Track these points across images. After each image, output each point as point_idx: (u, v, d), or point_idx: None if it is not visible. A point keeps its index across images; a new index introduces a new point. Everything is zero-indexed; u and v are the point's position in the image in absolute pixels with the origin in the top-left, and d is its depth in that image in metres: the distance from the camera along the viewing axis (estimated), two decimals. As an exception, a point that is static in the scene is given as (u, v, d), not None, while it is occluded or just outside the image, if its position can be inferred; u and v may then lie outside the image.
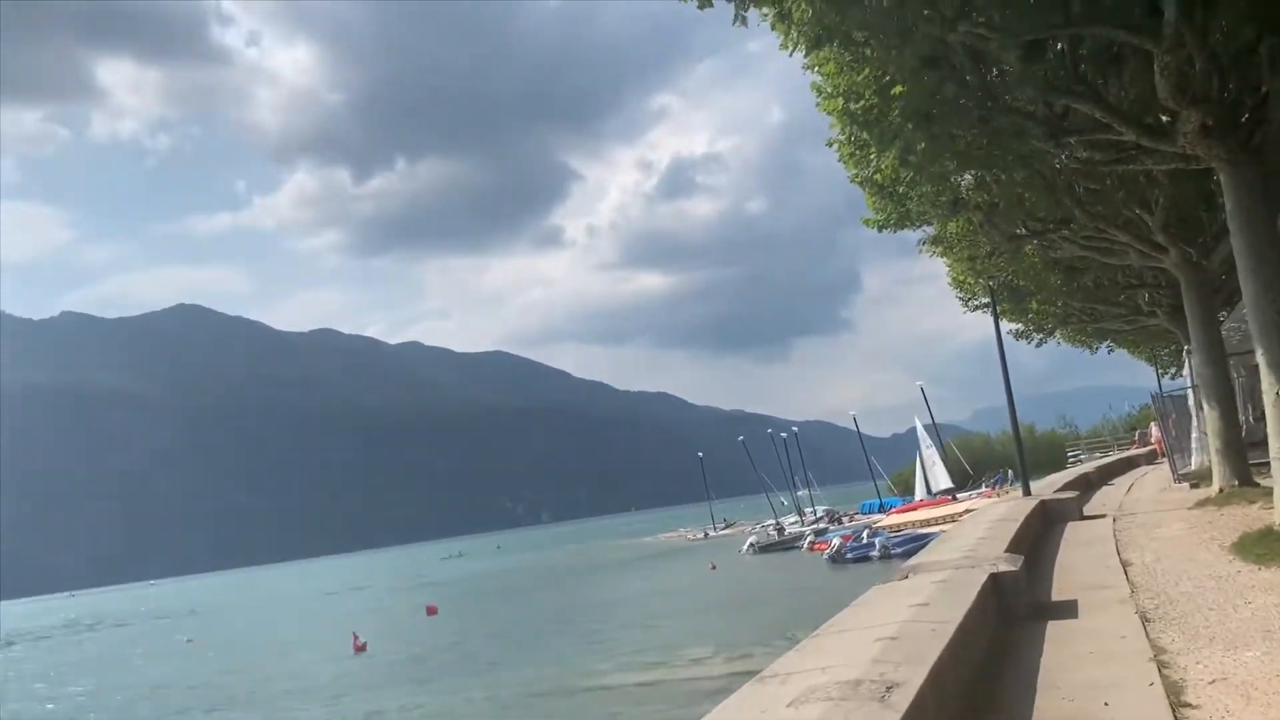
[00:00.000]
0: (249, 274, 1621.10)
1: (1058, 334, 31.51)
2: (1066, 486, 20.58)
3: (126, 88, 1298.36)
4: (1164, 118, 11.41)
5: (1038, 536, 13.41)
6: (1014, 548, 9.76)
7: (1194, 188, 15.65)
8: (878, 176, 14.36)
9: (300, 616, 62.82)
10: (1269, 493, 12.18)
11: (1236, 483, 16.29)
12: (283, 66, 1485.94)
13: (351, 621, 43.58)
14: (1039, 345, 31.74)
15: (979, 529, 11.75)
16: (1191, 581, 8.60)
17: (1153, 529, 13.40)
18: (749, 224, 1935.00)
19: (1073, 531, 14.25)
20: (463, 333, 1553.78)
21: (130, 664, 43.53)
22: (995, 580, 7.60)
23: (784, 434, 77.61)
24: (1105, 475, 27.98)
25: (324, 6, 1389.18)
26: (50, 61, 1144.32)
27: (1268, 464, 11.61)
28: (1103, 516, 15.98)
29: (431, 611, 46.92)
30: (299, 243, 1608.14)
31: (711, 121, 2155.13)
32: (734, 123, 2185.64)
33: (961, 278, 25.16)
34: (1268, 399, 10.48)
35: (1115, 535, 13.02)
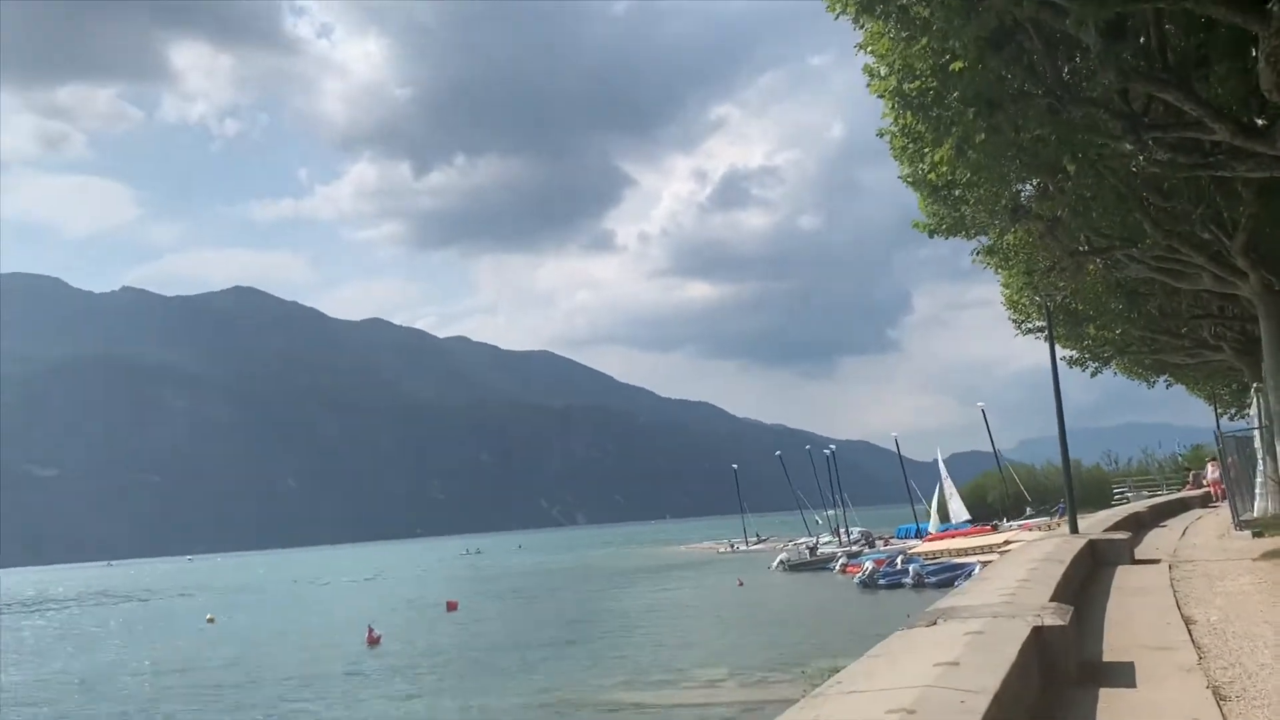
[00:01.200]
0: (307, 260, 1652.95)
1: (1114, 364, 29.98)
2: (1117, 525, 19.15)
3: (199, 71, 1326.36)
4: (1259, 121, 10.14)
5: (1085, 581, 12.15)
6: (1060, 594, 8.54)
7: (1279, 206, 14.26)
8: (932, 176, 13.12)
9: (323, 603, 62.52)
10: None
11: (1310, 533, 14.88)
12: (352, 59, 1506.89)
13: (370, 612, 42.98)
14: (1094, 375, 30.23)
15: (1020, 568, 10.50)
16: (1271, 651, 7.27)
17: (1215, 580, 12.04)
18: (802, 239, 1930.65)
19: (1124, 577, 12.94)
20: (510, 330, 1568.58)
21: (140, 640, 43.18)
22: (1039, 634, 6.41)
23: (825, 451, 76.22)
24: (1157, 516, 26.41)
25: (396, 3, 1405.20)
26: (126, 41, 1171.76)
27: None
28: (1157, 562, 14.64)
29: (452, 607, 46.25)
30: (357, 233, 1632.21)
31: (770, 134, 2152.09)
32: (792, 136, 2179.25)
33: (1016, 297, 23.90)
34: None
35: (1173, 585, 11.69)
